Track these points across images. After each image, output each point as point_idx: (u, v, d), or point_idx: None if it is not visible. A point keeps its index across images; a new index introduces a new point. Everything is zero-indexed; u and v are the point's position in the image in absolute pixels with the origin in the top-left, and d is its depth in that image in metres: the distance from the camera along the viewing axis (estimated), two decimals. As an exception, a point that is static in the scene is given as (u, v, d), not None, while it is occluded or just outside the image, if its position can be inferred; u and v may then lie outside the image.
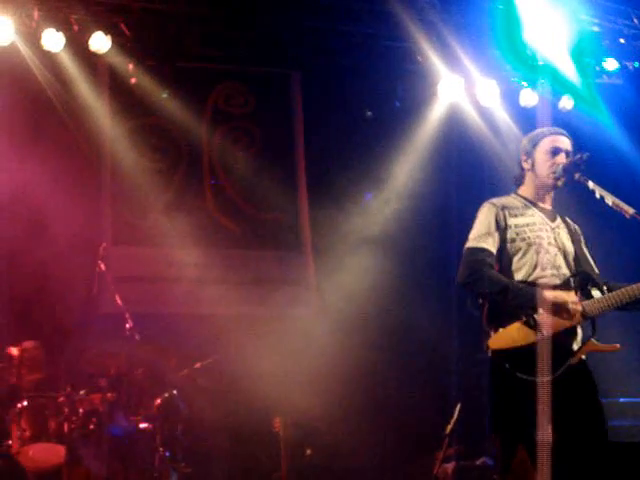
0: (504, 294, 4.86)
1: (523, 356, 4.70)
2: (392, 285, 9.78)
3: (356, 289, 9.69)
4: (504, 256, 5.05)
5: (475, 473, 8.36)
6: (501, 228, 5.08)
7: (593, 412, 4.93)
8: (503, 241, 5.06)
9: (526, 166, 5.27)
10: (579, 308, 4.87)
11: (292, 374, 9.25)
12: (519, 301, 4.83)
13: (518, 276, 4.99)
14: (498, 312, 4.92)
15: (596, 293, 5.00)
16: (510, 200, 5.23)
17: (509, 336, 4.87)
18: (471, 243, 5.08)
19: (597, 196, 5.00)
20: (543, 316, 4.80)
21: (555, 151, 5.19)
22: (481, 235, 5.07)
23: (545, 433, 4.51)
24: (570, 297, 4.88)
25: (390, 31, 9.12)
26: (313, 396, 9.10)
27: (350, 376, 9.51)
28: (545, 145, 5.23)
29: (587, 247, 5.29)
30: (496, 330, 4.91)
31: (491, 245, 5.03)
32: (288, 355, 9.36)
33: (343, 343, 9.52)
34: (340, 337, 9.53)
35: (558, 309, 4.84)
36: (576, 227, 5.36)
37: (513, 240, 5.06)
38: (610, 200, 4.94)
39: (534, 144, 5.26)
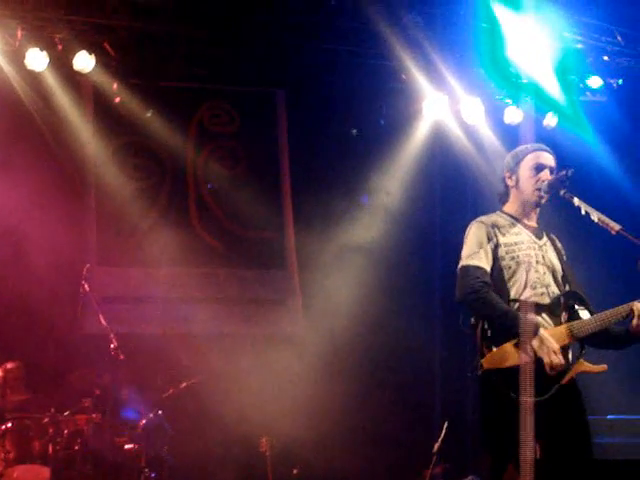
0: (503, 319, 4.85)
1: (515, 376, 4.68)
2: (377, 303, 9.76)
3: (342, 307, 9.68)
4: (495, 274, 5.03)
5: (462, 492, 8.33)
6: (492, 246, 5.07)
7: (579, 431, 4.92)
8: (494, 259, 5.05)
9: (510, 183, 5.26)
10: (558, 362, 4.85)
11: (278, 394, 9.23)
12: (516, 330, 4.80)
13: (510, 295, 4.98)
14: (493, 332, 4.90)
15: (584, 314, 5.00)
16: (497, 218, 5.21)
17: (503, 356, 4.84)
18: (466, 261, 5.05)
19: (583, 212, 4.98)
20: (531, 344, 4.78)
21: (539, 167, 5.18)
22: (474, 253, 5.04)
23: (529, 452, 4.48)
24: (555, 347, 4.85)
25: (375, 49, 9.14)
26: (300, 416, 9.07)
27: (336, 395, 9.48)
28: (529, 161, 5.21)
29: (569, 264, 5.30)
30: (490, 349, 4.89)
31: (485, 263, 5.01)
32: (274, 374, 9.32)
33: (329, 362, 9.50)
34: (325, 356, 9.50)
35: (545, 350, 4.83)
36: (559, 244, 5.35)
37: (503, 259, 5.05)
38: (596, 216, 4.93)
39: (518, 161, 5.24)
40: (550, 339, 4.81)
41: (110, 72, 8.89)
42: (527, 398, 4.53)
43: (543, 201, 5.16)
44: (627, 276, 5.23)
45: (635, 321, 4.85)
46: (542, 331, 4.82)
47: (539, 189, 5.11)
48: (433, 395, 10.14)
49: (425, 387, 10.12)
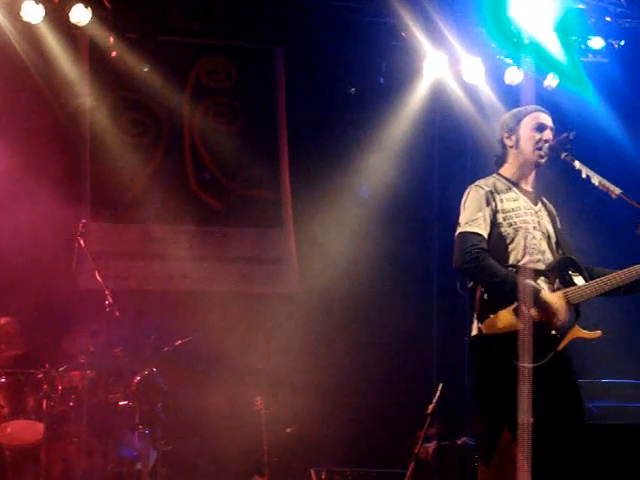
0: (502, 284, 4.84)
1: (513, 341, 4.68)
2: (373, 262, 9.75)
3: (338, 266, 9.66)
4: (493, 240, 5.01)
5: (456, 453, 8.36)
6: (491, 212, 5.04)
7: (572, 396, 4.96)
8: (493, 225, 5.03)
9: (509, 143, 5.22)
10: (562, 318, 4.85)
11: (274, 352, 9.23)
12: (515, 294, 4.79)
13: (508, 261, 4.97)
14: (491, 297, 4.88)
15: (578, 279, 5.00)
16: (494, 182, 5.18)
17: (502, 321, 4.85)
18: (464, 228, 5.03)
19: (583, 176, 4.96)
20: (530, 309, 4.77)
21: (541, 127, 5.15)
22: (473, 219, 5.02)
23: (527, 416, 4.48)
24: (558, 303, 4.85)
25: (374, 7, 9.07)
26: (295, 375, 9.09)
27: (332, 355, 9.50)
28: (530, 121, 5.18)
29: (562, 229, 5.29)
30: (488, 314, 4.88)
31: (483, 229, 5.00)
32: (270, 333, 9.33)
33: (324, 322, 9.50)
34: (321, 316, 9.50)
35: (546, 311, 4.82)
36: (552, 208, 5.34)
37: (501, 225, 5.04)
38: (596, 180, 4.91)
39: (518, 120, 5.21)
40: (552, 299, 4.81)
41: (106, 26, 8.79)
42: (525, 363, 4.53)
43: (543, 161, 5.14)
44: (626, 241, 5.20)
45: None
46: (543, 293, 4.82)
47: (540, 149, 5.08)
48: (430, 356, 10.13)
49: (422, 348, 10.11)
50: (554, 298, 4.86)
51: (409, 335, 9.94)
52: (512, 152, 5.22)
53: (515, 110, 5.32)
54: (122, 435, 7.75)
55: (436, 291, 10.14)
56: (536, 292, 4.80)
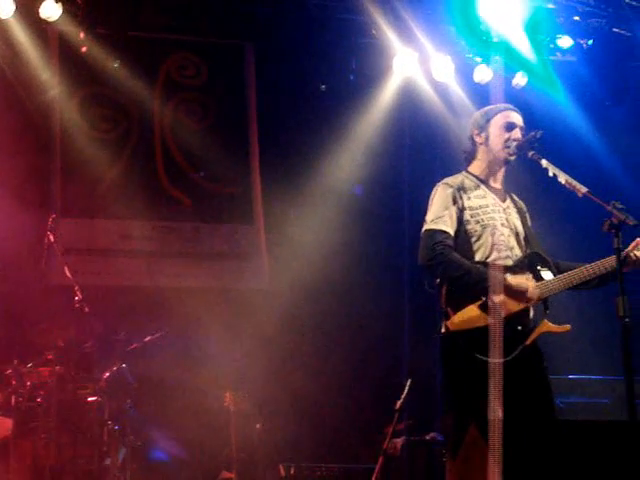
0: (467, 277, 4.88)
1: (480, 337, 4.72)
2: (344, 260, 9.76)
3: (308, 264, 9.66)
4: (460, 238, 5.06)
5: (424, 448, 8.39)
6: (458, 210, 5.08)
7: (541, 391, 5.00)
8: (459, 223, 5.07)
9: (479, 140, 5.28)
10: (537, 293, 4.91)
11: (242, 349, 9.23)
12: (482, 285, 4.84)
13: (475, 258, 5.02)
14: (457, 293, 4.93)
15: (547, 274, 5.05)
16: (462, 180, 5.23)
17: (468, 317, 4.89)
18: (429, 225, 5.08)
19: (550, 174, 5.01)
20: (499, 299, 4.81)
21: (510, 126, 5.22)
22: (439, 217, 5.07)
23: (497, 412, 4.53)
24: (530, 283, 4.91)
25: (345, 4, 9.08)
26: (264, 371, 9.09)
27: (301, 351, 9.51)
28: (500, 120, 5.26)
29: (530, 226, 5.34)
30: (455, 311, 4.92)
31: (449, 227, 5.05)
32: (239, 329, 9.32)
33: (294, 318, 9.51)
34: (291, 312, 9.50)
35: (518, 294, 4.87)
36: (522, 205, 5.39)
37: (468, 222, 5.08)
38: (563, 178, 4.95)
39: (488, 118, 5.28)
40: (518, 280, 4.86)
41: (77, 21, 8.74)
42: (496, 359, 4.58)
43: (511, 159, 5.19)
44: (594, 238, 5.25)
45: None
46: (509, 277, 4.86)
47: (509, 147, 5.14)
48: (401, 353, 10.17)
49: (393, 344, 10.15)
50: (520, 279, 4.92)
51: (380, 331, 9.97)
52: (482, 149, 5.28)
53: (486, 108, 5.38)
54: (91, 431, 7.72)
55: (407, 287, 10.18)
56: (501, 279, 4.85)
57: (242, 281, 9.95)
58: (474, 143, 5.31)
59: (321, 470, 8.41)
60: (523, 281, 4.93)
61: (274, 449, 8.79)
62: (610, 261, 4.92)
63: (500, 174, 5.30)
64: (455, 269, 4.91)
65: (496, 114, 5.29)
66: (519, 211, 5.31)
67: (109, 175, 9.61)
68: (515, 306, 4.91)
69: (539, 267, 5.07)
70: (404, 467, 8.30)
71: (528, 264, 5.07)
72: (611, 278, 4.98)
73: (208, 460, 9.00)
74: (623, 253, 4.68)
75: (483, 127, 5.27)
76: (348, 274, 9.75)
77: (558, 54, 9.60)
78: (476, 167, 5.30)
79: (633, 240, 5.01)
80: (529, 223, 5.34)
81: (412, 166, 10.34)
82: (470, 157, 5.35)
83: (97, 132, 9.62)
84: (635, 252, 4.99)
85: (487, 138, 5.25)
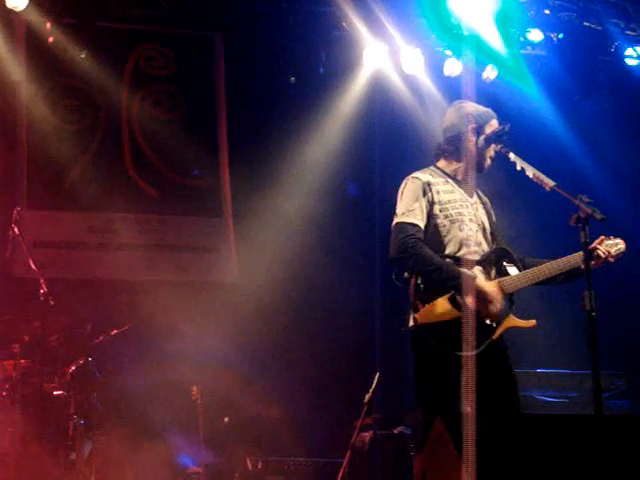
0: (437, 273, 4.86)
1: (448, 330, 4.72)
2: (313, 255, 9.73)
3: (277, 258, 9.63)
4: (429, 232, 5.05)
5: (393, 442, 8.40)
6: (427, 203, 5.06)
7: (507, 385, 5.02)
8: (429, 217, 5.05)
9: (469, 140, 5.19)
10: (498, 306, 4.90)
11: (210, 342, 9.18)
12: (451, 283, 4.82)
13: (444, 252, 5.00)
14: (426, 287, 4.91)
15: (513, 270, 5.07)
16: (431, 174, 5.20)
17: (437, 310, 4.88)
18: (400, 218, 5.06)
19: (518, 168, 5.00)
20: (469, 300, 4.81)
21: (498, 137, 5.20)
22: (409, 210, 5.05)
23: (465, 406, 4.53)
24: (493, 291, 4.89)
25: (313, -5, 9.05)
26: (232, 365, 9.06)
27: (270, 345, 9.48)
28: (492, 127, 5.21)
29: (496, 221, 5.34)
30: (424, 303, 4.90)
31: (420, 220, 5.04)
32: (207, 323, 9.28)
33: (263, 312, 9.46)
34: (260, 306, 9.46)
35: (482, 297, 4.86)
36: (487, 200, 5.39)
37: (437, 217, 5.08)
38: (531, 172, 4.95)
39: (485, 122, 5.22)
40: (488, 287, 4.86)
41: (44, 11, 8.66)
42: (468, 352, 4.57)
43: (487, 168, 5.20)
44: (560, 232, 5.25)
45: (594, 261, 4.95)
46: (479, 281, 4.86)
47: (491, 157, 5.14)
48: (372, 346, 10.17)
49: (364, 338, 10.15)
50: (489, 286, 4.92)
51: (350, 324, 9.97)
52: (464, 148, 5.21)
53: (481, 110, 5.29)
54: (57, 425, 7.67)
55: (378, 281, 10.18)
56: (472, 280, 4.84)
57: (211, 274, 9.90)
58: (458, 139, 5.22)
59: (289, 464, 8.39)
60: (492, 289, 4.93)
61: (242, 443, 8.76)
62: (576, 257, 4.93)
63: (471, 172, 5.26)
64: (426, 264, 4.90)
65: (489, 120, 5.25)
66: (485, 206, 5.31)
67: (76, 167, 9.52)
68: (482, 307, 4.90)
69: (505, 262, 5.09)
70: (372, 461, 8.29)
71: (494, 259, 5.08)
72: (577, 274, 4.99)
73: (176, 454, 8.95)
74: (589, 248, 4.67)
75: (481, 127, 5.22)
76: (318, 267, 9.72)
77: (528, 47, 9.60)
78: (447, 163, 5.27)
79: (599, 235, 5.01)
80: (494, 218, 5.33)
81: (382, 158, 10.33)
82: (443, 153, 5.29)
83: (64, 123, 9.53)
84: (600, 248, 5.00)
85: (477, 140, 5.19)
